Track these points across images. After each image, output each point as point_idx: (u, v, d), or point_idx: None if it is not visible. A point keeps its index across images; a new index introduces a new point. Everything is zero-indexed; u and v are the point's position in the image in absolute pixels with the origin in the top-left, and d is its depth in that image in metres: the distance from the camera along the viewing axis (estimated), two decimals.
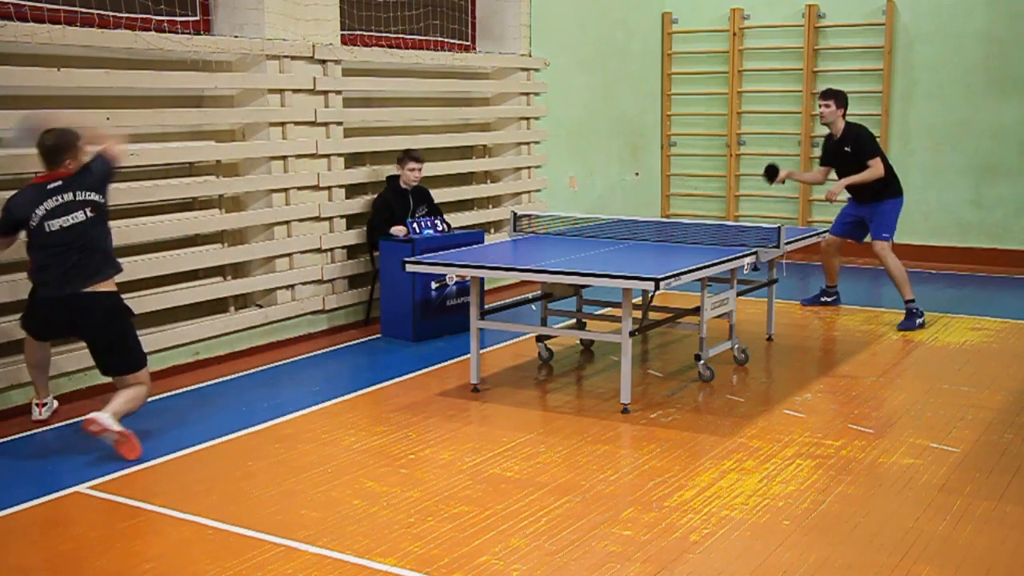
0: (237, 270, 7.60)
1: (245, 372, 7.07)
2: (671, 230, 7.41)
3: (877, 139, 9.03)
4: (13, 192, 5.63)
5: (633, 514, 4.58)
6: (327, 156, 7.94)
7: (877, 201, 8.20)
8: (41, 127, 5.57)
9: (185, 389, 6.64)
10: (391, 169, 8.31)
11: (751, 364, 7.04)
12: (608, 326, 7.42)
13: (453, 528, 4.44)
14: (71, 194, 5.50)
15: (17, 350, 5.97)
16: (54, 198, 5.47)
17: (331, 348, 7.73)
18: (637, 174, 11.99)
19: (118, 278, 5.72)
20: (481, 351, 6.58)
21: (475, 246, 7.78)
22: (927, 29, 10.98)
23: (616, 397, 6.18)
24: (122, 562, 4.20)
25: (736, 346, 6.95)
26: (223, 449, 5.53)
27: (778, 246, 6.72)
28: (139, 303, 6.43)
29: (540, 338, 7.21)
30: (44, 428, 5.89)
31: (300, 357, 7.47)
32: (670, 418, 5.92)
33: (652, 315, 6.83)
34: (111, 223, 6.46)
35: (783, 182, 8.70)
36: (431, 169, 8.55)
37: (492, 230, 9.68)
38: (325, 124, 7.89)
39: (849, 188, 8.29)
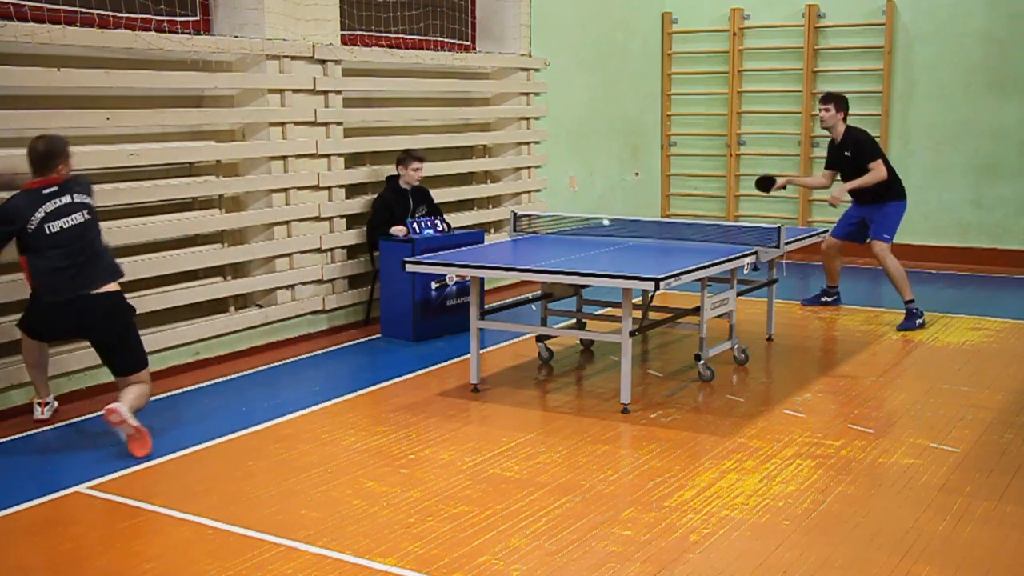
0: (237, 270, 7.60)
1: (245, 372, 7.07)
2: (671, 230, 7.41)
3: (877, 139, 9.02)
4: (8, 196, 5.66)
5: (633, 514, 4.58)
6: (327, 156, 7.94)
7: (879, 203, 8.19)
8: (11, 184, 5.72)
9: (185, 389, 6.64)
10: (391, 169, 8.30)
11: (751, 364, 7.04)
12: (608, 326, 7.42)
13: (453, 528, 4.44)
14: (68, 197, 5.57)
15: (17, 350, 5.97)
16: (53, 201, 5.52)
17: (331, 348, 7.73)
18: (637, 174, 11.99)
19: (113, 286, 5.73)
20: (481, 351, 6.58)
21: (475, 246, 7.78)
22: (927, 29, 10.98)
23: (616, 397, 6.18)
24: (122, 562, 4.20)
25: (736, 346, 6.95)
26: (223, 449, 5.53)
27: (778, 246, 6.72)
28: (139, 303, 6.42)
29: (540, 338, 7.21)
30: (44, 428, 5.89)
31: (300, 357, 7.47)
32: (670, 418, 5.92)
33: (652, 315, 6.83)
34: (111, 223, 6.50)
35: (783, 187, 8.68)
36: (431, 169, 8.55)
37: (492, 230, 9.68)
38: (325, 124, 7.89)
39: (851, 191, 8.28)
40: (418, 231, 7.94)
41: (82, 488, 4.96)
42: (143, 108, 6.78)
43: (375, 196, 8.23)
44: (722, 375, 6.77)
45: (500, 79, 9.79)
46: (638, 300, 6.65)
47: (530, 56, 9.98)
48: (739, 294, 7.00)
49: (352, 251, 8.30)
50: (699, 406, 6.20)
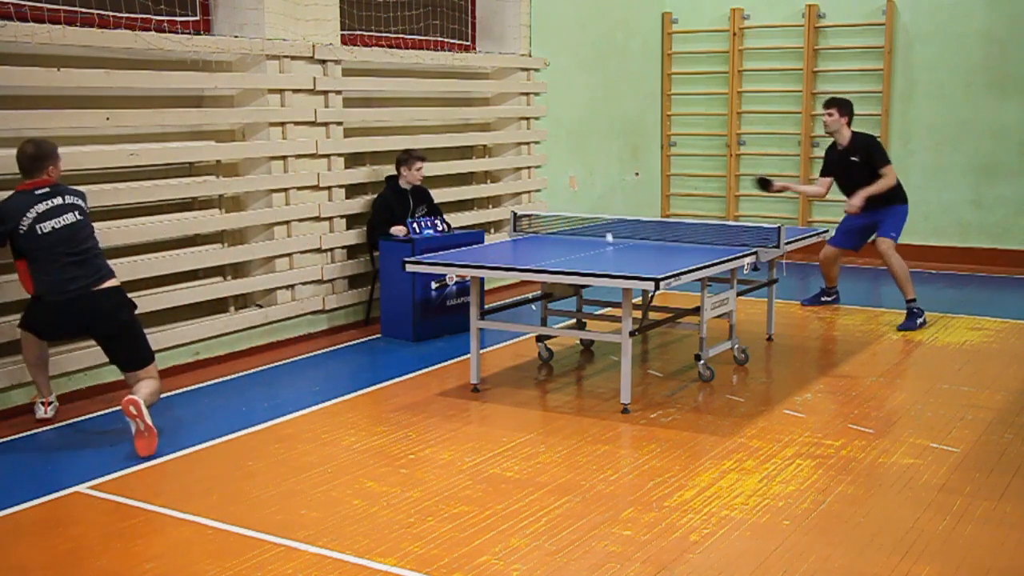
0: (237, 270, 7.60)
1: (245, 372, 7.07)
2: (671, 230, 7.41)
3: (877, 139, 9.02)
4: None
5: (633, 514, 4.58)
6: (327, 156, 7.94)
7: (884, 207, 8.17)
8: None
9: (185, 389, 6.64)
10: (391, 169, 8.30)
11: (751, 364, 7.04)
12: (608, 326, 7.42)
13: (453, 528, 4.44)
14: (60, 198, 5.64)
15: (18, 350, 5.97)
16: (44, 202, 5.59)
17: (331, 348, 7.73)
18: (637, 174, 11.99)
19: (113, 282, 5.76)
20: (481, 351, 6.58)
21: (475, 246, 7.78)
22: (927, 29, 10.98)
23: (616, 397, 6.18)
24: (122, 562, 4.20)
25: (736, 346, 6.95)
26: (223, 449, 5.53)
27: (778, 246, 6.72)
28: (139, 303, 6.41)
29: (540, 338, 7.20)
30: (44, 428, 5.89)
31: (300, 357, 7.47)
32: (670, 418, 5.92)
33: (652, 315, 6.83)
34: (111, 223, 6.50)
35: (780, 191, 8.65)
36: (431, 169, 8.55)
37: (492, 230, 9.68)
38: (325, 124, 7.89)
39: (850, 197, 8.26)
40: (418, 231, 7.94)
41: (82, 488, 4.96)
42: (143, 108, 6.78)
43: (375, 196, 8.23)
44: (722, 375, 6.77)
45: (500, 79, 9.79)
46: (638, 300, 6.65)
47: (530, 56, 9.98)
48: (739, 294, 6.99)
49: (352, 251, 8.30)
50: (699, 406, 6.20)
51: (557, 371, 7.03)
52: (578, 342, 7.58)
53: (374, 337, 8.01)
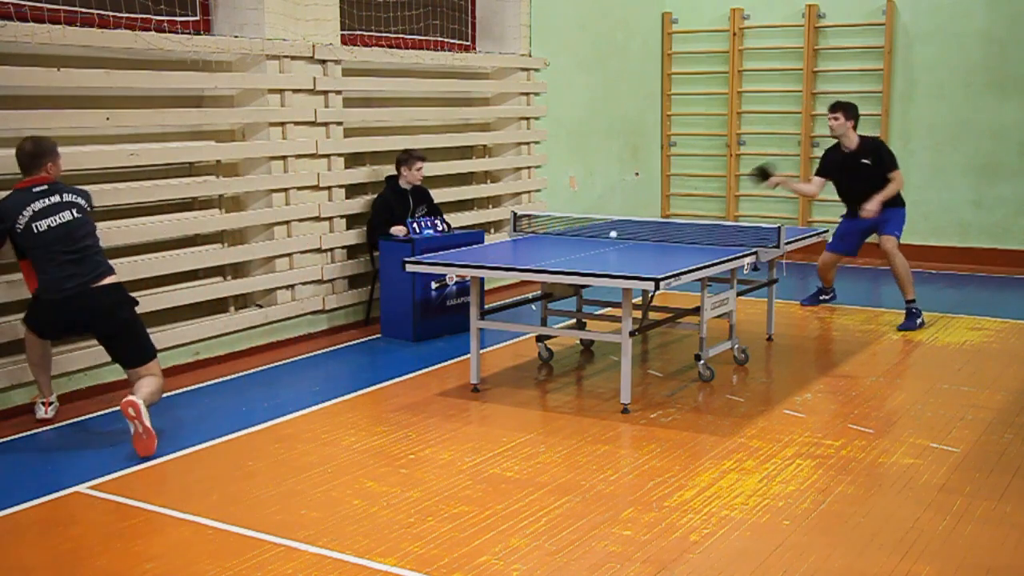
0: (237, 270, 7.60)
1: (245, 372, 7.07)
2: (671, 230, 7.41)
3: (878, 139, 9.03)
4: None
5: (633, 514, 4.58)
6: (327, 156, 7.94)
7: (885, 209, 8.17)
8: None
9: (185, 389, 6.63)
10: (391, 169, 8.30)
11: (751, 364, 7.04)
12: (608, 326, 7.42)
13: (453, 528, 4.44)
14: (58, 196, 5.62)
15: (18, 350, 5.97)
16: (41, 200, 5.58)
17: (331, 348, 7.73)
18: (637, 174, 11.99)
19: (112, 279, 5.75)
20: (481, 351, 6.58)
21: (475, 246, 7.78)
22: (927, 29, 10.98)
23: (616, 397, 6.18)
24: (122, 562, 4.20)
25: (736, 346, 6.95)
26: (223, 449, 5.53)
27: (778, 246, 6.72)
28: (139, 303, 6.42)
29: (540, 338, 7.20)
30: (45, 428, 5.89)
31: (300, 357, 7.47)
32: (670, 418, 5.92)
33: (652, 315, 6.83)
34: (111, 223, 6.49)
35: (774, 187, 8.62)
36: (431, 169, 8.54)
37: (492, 230, 9.68)
38: (325, 124, 7.89)
39: (851, 200, 8.28)
40: (418, 231, 7.94)
41: (82, 488, 4.96)
42: (143, 108, 6.78)
43: (375, 196, 8.23)
44: (722, 375, 6.77)
45: (500, 79, 9.79)
46: (638, 300, 6.65)
47: (530, 56, 9.98)
48: (739, 294, 7.00)
49: (352, 251, 8.30)
50: (699, 406, 6.20)
51: (557, 371, 7.03)
52: (578, 342, 7.58)
53: (374, 337, 8.01)
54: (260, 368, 7.16)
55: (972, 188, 10.97)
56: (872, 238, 8.39)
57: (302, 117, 7.68)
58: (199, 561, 4.16)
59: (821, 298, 8.87)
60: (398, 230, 7.92)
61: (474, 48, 9.78)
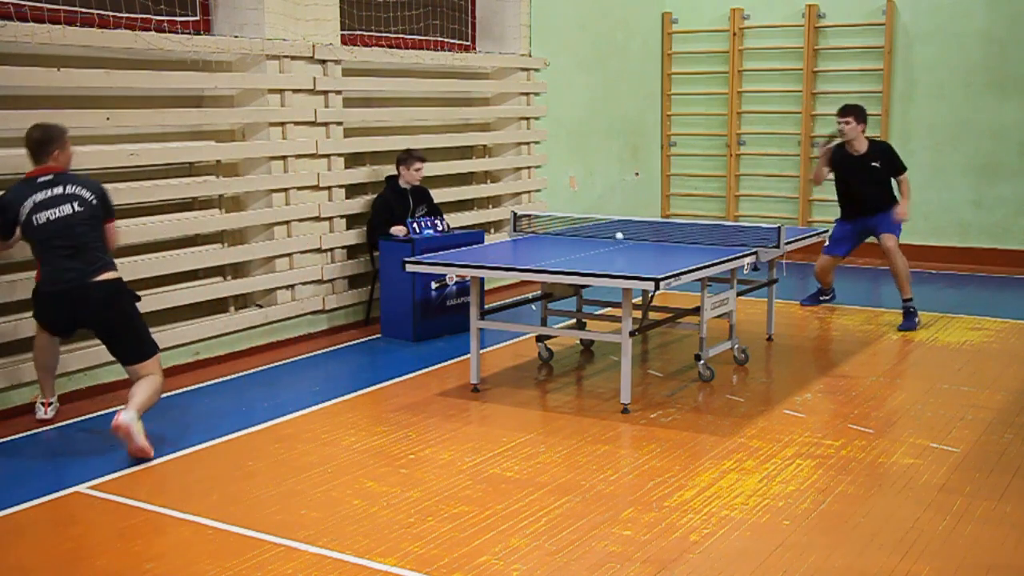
0: (237, 270, 7.60)
1: (245, 372, 7.07)
2: (671, 230, 7.41)
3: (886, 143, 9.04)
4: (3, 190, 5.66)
5: (633, 514, 4.58)
6: (327, 156, 7.94)
7: (885, 211, 8.23)
8: None
9: (185, 389, 6.63)
10: (391, 169, 8.30)
11: (751, 364, 7.04)
12: (608, 326, 7.42)
13: (453, 528, 4.44)
14: (61, 188, 5.54)
15: (18, 350, 5.97)
16: (44, 191, 5.50)
17: (331, 348, 7.73)
18: (637, 174, 11.99)
19: (112, 274, 5.69)
20: (481, 351, 6.58)
21: (475, 246, 7.78)
22: (927, 29, 10.98)
23: (616, 397, 6.18)
24: (122, 562, 4.20)
25: (736, 346, 6.95)
26: (223, 449, 5.53)
27: (778, 246, 6.72)
28: (139, 303, 6.42)
29: (540, 338, 7.21)
30: (45, 428, 5.89)
31: (300, 357, 7.47)
32: (670, 418, 5.92)
33: (652, 315, 6.83)
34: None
35: (823, 155, 8.45)
36: (431, 169, 8.54)
37: (492, 230, 9.68)
38: (325, 124, 7.89)
39: (853, 202, 8.30)
40: (418, 231, 7.94)
41: (83, 488, 4.96)
42: (143, 108, 6.78)
43: (375, 196, 8.23)
44: (722, 375, 6.77)
45: (500, 79, 9.79)
46: (638, 300, 6.65)
47: (530, 56, 9.98)
48: (739, 294, 7.00)
49: (352, 251, 8.30)
50: (699, 406, 6.20)
51: (557, 371, 7.03)
52: (578, 342, 7.58)
53: (374, 337, 8.02)
54: (260, 368, 7.16)
55: (972, 188, 10.97)
56: (872, 238, 8.41)
57: (302, 117, 7.68)
58: (199, 561, 4.16)
59: (821, 298, 8.88)
60: (398, 230, 7.92)
61: (474, 48, 9.78)
